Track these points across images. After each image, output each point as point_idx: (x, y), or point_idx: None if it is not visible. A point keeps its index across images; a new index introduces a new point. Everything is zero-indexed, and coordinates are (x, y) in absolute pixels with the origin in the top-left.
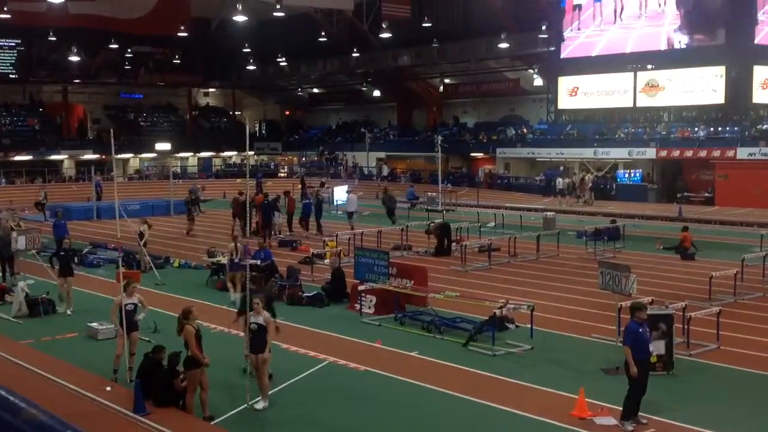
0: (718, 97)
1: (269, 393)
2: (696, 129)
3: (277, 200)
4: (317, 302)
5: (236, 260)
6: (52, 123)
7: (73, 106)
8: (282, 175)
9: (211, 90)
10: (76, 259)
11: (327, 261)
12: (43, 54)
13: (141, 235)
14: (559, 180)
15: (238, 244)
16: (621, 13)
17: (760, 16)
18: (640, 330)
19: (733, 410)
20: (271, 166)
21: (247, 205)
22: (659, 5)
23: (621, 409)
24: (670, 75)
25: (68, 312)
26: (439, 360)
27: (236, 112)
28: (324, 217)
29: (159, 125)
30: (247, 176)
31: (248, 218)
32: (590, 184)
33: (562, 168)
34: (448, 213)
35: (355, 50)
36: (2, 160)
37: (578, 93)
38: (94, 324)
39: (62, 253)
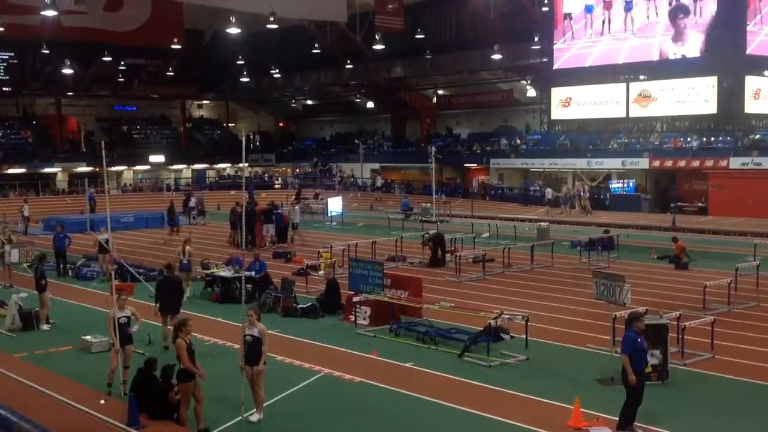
0: (710, 107)
1: (264, 405)
2: (689, 139)
3: (269, 211)
4: (312, 313)
5: (185, 261)
6: (45, 135)
7: (67, 119)
8: (277, 186)
9: (204, 102)
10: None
11: (321, 272)
12: (36, 66)
13: (102, 246)
14: (548, 190)
15: (188, 247)
16: (610, 27)
17: (752, 27)
18: (639, 339)
19: (728, 420)
20: (266, 178)
21: (243, 217)
22: (648, 17)
23: (616, 419)
24: (663, 85)
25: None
26: (434, 371)
27: (230, 124)
28: (318, 228)
29: (153, 137)
30: (243, 188)
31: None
32: (582, 194)
33: (542, 182)
34: (442, 224)
35: (348, 62)
36: None
37: (571, 103)
38: (87, 337)
39: (44, 267)
